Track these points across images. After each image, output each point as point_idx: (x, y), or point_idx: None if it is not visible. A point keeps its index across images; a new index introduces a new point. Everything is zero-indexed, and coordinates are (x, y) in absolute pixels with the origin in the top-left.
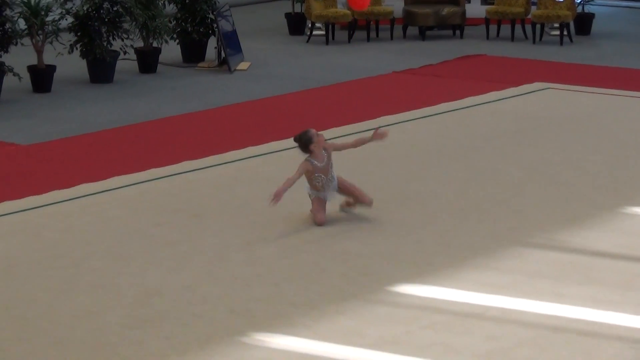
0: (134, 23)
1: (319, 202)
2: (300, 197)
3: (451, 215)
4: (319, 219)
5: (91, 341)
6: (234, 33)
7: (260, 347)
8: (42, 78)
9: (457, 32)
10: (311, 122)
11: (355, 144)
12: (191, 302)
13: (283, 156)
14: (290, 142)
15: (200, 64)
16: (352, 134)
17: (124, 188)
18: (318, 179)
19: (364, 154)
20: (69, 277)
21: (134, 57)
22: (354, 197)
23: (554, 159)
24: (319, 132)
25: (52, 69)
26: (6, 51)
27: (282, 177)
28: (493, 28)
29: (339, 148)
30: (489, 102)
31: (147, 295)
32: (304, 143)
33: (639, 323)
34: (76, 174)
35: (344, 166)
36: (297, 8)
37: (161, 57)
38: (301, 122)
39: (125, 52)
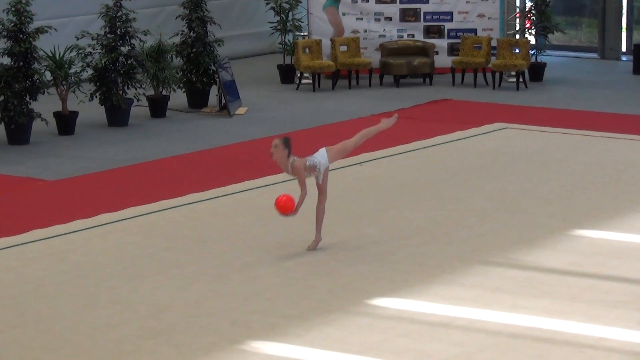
0: (145, 74)
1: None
2: (291, 224)
3: (423, 239)
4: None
5: (110, 350)
6: (232, 82)
7: (257, 354)
8: (66, 123)
9: (427, 80)
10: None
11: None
12: (197, 316)
13: (277, 189)
14: (283, 176)
15: (203, 110)
16: (335, 169)
17: (138, 217)
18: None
19: (345, 186)
20: (90, 294)
21: (146, 103)
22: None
23: (512, 189)
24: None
25: (74, 114)
26: (35, 99)
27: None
28: (458, 76)
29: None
30: (455, 140)
31: (159, 310)
32: (289, 145)
33: (585, 330)
34: (96, 205)
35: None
36: (288, 60)
37: (170, 104)
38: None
39: (138, 100)
